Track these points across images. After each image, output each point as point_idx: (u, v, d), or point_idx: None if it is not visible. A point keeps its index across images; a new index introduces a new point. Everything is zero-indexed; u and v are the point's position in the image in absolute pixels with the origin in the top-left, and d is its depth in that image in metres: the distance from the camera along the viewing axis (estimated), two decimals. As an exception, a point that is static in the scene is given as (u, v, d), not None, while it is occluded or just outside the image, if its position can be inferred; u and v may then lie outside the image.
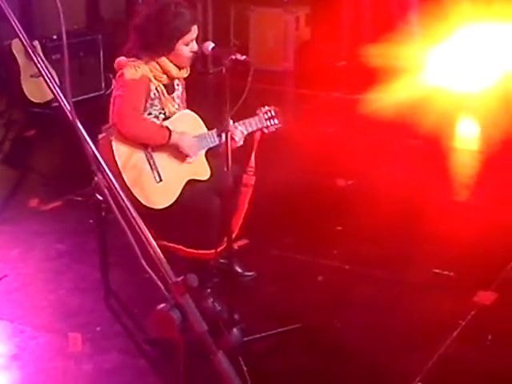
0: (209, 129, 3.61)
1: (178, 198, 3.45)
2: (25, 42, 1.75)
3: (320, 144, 5.95)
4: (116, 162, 3.30)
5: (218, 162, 3.37)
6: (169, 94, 3.54)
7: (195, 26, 3.48)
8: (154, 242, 1.74)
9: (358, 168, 5.40)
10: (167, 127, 3.43)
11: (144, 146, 3.41)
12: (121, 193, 1.74)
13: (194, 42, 3.49)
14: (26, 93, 6.65)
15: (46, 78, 1.73)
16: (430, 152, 5.75)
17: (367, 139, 6.02)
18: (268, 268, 4.08)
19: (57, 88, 1.74)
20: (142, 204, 3.31)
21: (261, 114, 3.66)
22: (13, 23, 1.73)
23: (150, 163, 3.41)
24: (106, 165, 3.24)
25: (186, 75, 3.61)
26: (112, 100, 3.47)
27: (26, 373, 3.28)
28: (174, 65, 3.50)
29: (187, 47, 3.48)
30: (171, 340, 1.65)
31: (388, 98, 6.28)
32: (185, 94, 3.72)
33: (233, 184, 3.21)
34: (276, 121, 3.69)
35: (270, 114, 3.68)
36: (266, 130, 3.65)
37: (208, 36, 7.96)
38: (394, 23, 7.52)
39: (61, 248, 4.34)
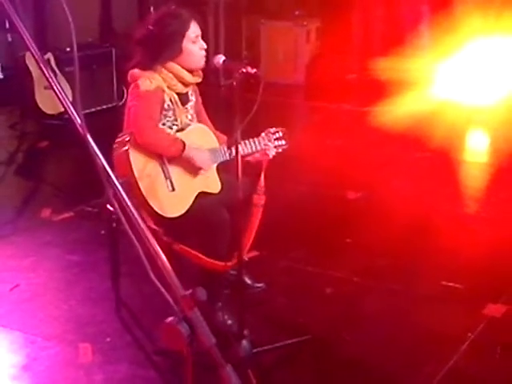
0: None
1: (189, 209, 3.48)
2: (35, 55, 1.75)
3: (330, 156, 5.96)
4: (133, 171, 3.34)
5: (228, 175, 3.40)
6: (183, 104, 3.57)
7: (195, 23, 3.51)
8: (163, 255, 1.75)
9: (367, 180, 5.41)
10: (182, 140, 3.46)
11: (159, 156, 3.45)
12: (130, 206, 1.75)
13: (201, 40, 3.53)
14: (40, 104, 6.70)
15: (56, 91, 1.74)
16: (440, 165, 5.75)
17: (377, 152, 6.02)
18: (277, 280, 4.09)
19: (67, 101, 1.74)
20: (155, 211, 3.35)
21: (269, 135, 3.69)
22: (24, 36, 1.73)
23: (164, 172, 3.45)
24: (123, 174, 3.29)
25: (199, 80, 3.63)
26: (127, 111, 3.50)
27: (36, 383, 3.28)
28: (187, 70, 3.53)
29: (195, 45, 3.51)
30: (180, 352, 1.66)
31: (398, 110, 6.28)
32: (200, 101, 3.74)
33: (243, 198, 3.22)
34: (283, 141, 3.72)
35: (277, 135, 3.71)
36: (273, 152, 3.66)
37: (220, 49, 8.01)
38: (404, 36, 7.54)
39: (72, 258, 4.36)
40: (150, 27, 3.50)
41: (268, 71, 7.69)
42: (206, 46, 3.55)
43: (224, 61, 3.35)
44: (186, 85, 3.58)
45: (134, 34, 3.61)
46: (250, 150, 3.62)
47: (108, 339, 3.55)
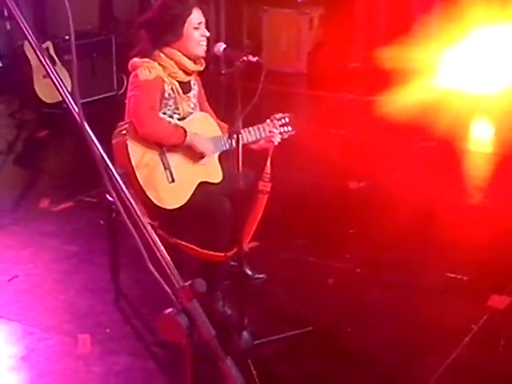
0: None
1: (189, 200, 3.44)
2: (33, 43, 1.74)
3: (332, 146, 5.94)
4: (130, 161, 3.31)
5: (230, 165, 3.36)
6: (184, 93, 3.53)
7: (198, 10, 3.49)
8: (161, 246, 1.73)
9: (370, 170, 5.38)
10: (183, 127, 3.43)
11: (159, 146, 3.41)
12: (129, 196, 1.73)
13: (204, 27, 3.49)
14: (39, 93, 6.66)
15: (54, 79, 1.72)
16: (444, 154, 5.73)
17: (380, 141, 6.00)
18: (279, 270, 4.07)
19: (65, 90, 1.72)
20: (154, 203, 3.32)
21: (275, 121, 3.65)
22: (21, 24, 1.72)
23: (163, 163, 3.41)
24: (121, 164, 3.26)
25: (201, 68, 3.59)
26: (127, 101, 3.47)
27: (34, 374, 3.28)
28: (187, 57, 3.49)
29: (197, 31, 3.47)
30: (179, 344, 1.64)
31: (402, 100, 6.25)
32: (203, 91, 3.71)
33: (246, 187, 3.19)
34: (289, 128, 3.69)
35: (283, 121, 3.68)
36: (278, 138, 3.62)
37: (221, 37, 7.96)
38: (408, 25, 7.50)
39: (71, 249, 4.34)
40: (156, 9, 3.50)
41: (270, 59, 7.63)
42: (208, 34, 3.52)
43: (225, 49, 3.34)
44: (187, 73, 3.54)
45: (138, 19, 3.59)
46: (254, 138, 3.59)
47: (107, 330, 3.54)
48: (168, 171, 3.41)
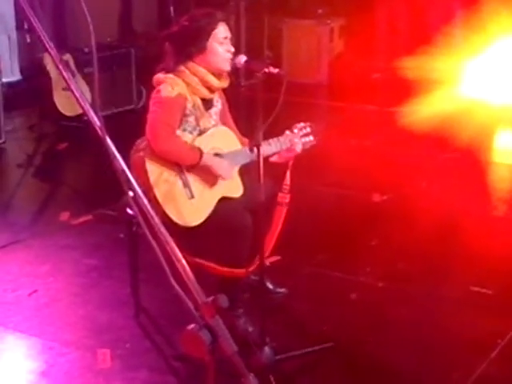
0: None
1: (209, 216, 3.41)
2: (53, 56, 1.73)
3: (354, 157, 5.92)
4: (148, 178, 3.28)
5: (251, 177, 3.33)
6: (206, 109, 3.50)
7: (224, 24, 3.47)
8: (183, 261, 1.70)
9: (393, 182, 5.36)
10: (199, 148, 3.38)
11: (176, 163, 3.38)
12: (150, 210, 1.72)
13: (229, 43, 3.47)
14: (58, 106, 6.70)
15: (74, 92, 1.71)
16: (468, 166, 5.71)
17: (403, 153, 5.99)
18: (300, 285, 4.04)
19: (86, 103, 1.71)
20: (172, 221, 3.28)
21: (296, 130, 3.61)
22: (41, 37, 1.72)
23: (182, 180, 3.38)
24: (138, 180, 3.24)
25: (225, 85, 3.56)
26: (148, 116, 3.44)
27: (54, 389, 3.26)
28: (212, 73, 3.46)
29: (221, 46, 3.44)
30: (200, 359, 1.63)
31: (424, 110, 6.22)
32: (227, 108, 3.69)
33: (266, 200, 3.16)
34: (311, 137, 3.64)
35: (305, 131, 3.63)
36: (299, 148, 3.58)
37: (241, 48, 7.96)
38: (430, 35, 7.47)
39: (91, 263, 4.34)
40: (181, 22, 3.49)
41: (291, 71, 7.58)
42: (233, 50, 3.47)
43: (246, 61, 3.32)
44: (211, 90, 3.51)
45: (163, 32, 3.59)
46: (274, 149, 3.55)
47: (127, 345, 3.52)
48: (187, 188, 3.37)
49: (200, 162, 3.35)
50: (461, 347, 3.47)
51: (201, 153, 3.36)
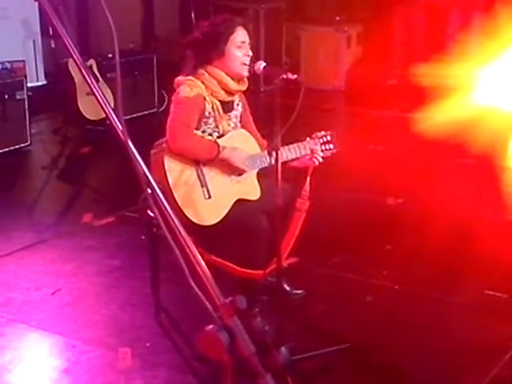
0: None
1: (226, 216, 3.45)
2: (77, 61, 1.75)
3: (370, 162, 5.93)
4: (167, 178, 3.34)
5: (269, 181, 3.37)
6: (225, 112, 3.55)
7: (242, 29, 3.52)
8: (202, 262, 1.73)
9: (408, 187, 5.37)
10: (216, 142, 3.45)
11: (195, 162, 3.43)
12: (170, 212, 1.75)
13: (248, 47, 3.52)
14: (82, 110, 6.77)
15: (98, 97, 1.74)
16: (482, 171, 5.69)
17: (418, 158, 5.98)
18: (317, 286, 4.07)
19: (109, 107, 1.75)
20: (190, 220, 3.34)
21: (316, 139, 3.65)
22: (66, 42, 1.74)
23: (200, 180, 3.43)
24: (157, 181, 3.28)
25: (243, 89, 3.61)
26: (168, 117, 3.50)
27: (76, 387, 3.31)
28: (230, 77, 3.52)
29: (239, 50, 3.50)
30: (219, 360, 1.65)
31: (439, 117, 6.21)
32: (248, 111, 3.73)
33: (284, 204, 3.20)
34: (331, 146, 3.67)
35: (325, 139, 3.67)
36: (320, 157, 3.62)
37: (260, 55, 8.00)
38: (446, 42, 7.47)
39: (113, 263, 4.39)
40: (202, 28, 3.55)
41: (308, 77, 7.66)
42: (251, 54, 3.53)
43: (265, 67, 3.36)
44: (230, 93, 3.56)
45: (185, 39, 3.65)
46: (294, 155, 3.59)
47: (147, 344, 3.56)
48: (205, 188, 3.43)
49: (218, 155, 3.41)
50: (474, 350, 3.48)
51: (218, 146, 3.42)
